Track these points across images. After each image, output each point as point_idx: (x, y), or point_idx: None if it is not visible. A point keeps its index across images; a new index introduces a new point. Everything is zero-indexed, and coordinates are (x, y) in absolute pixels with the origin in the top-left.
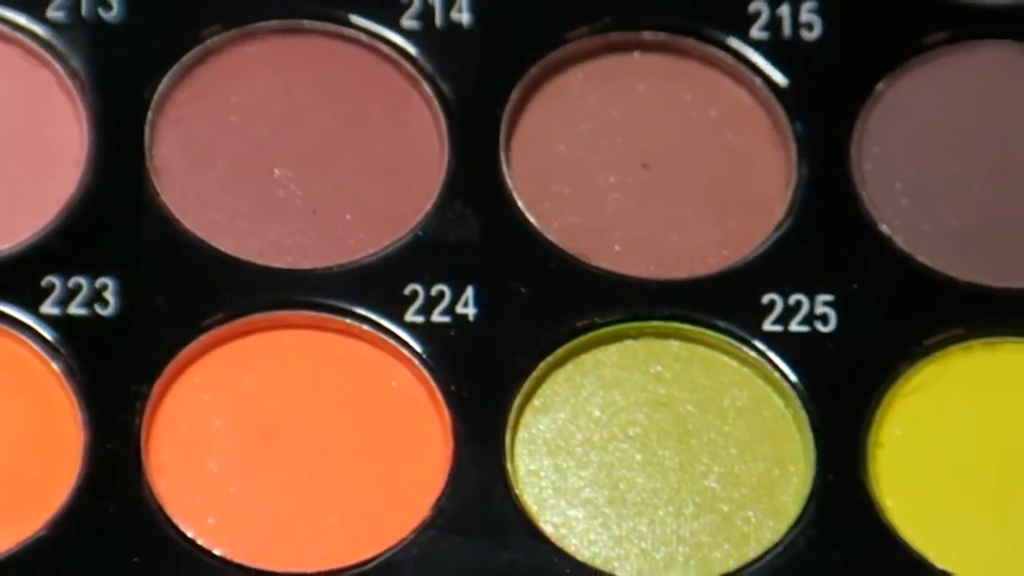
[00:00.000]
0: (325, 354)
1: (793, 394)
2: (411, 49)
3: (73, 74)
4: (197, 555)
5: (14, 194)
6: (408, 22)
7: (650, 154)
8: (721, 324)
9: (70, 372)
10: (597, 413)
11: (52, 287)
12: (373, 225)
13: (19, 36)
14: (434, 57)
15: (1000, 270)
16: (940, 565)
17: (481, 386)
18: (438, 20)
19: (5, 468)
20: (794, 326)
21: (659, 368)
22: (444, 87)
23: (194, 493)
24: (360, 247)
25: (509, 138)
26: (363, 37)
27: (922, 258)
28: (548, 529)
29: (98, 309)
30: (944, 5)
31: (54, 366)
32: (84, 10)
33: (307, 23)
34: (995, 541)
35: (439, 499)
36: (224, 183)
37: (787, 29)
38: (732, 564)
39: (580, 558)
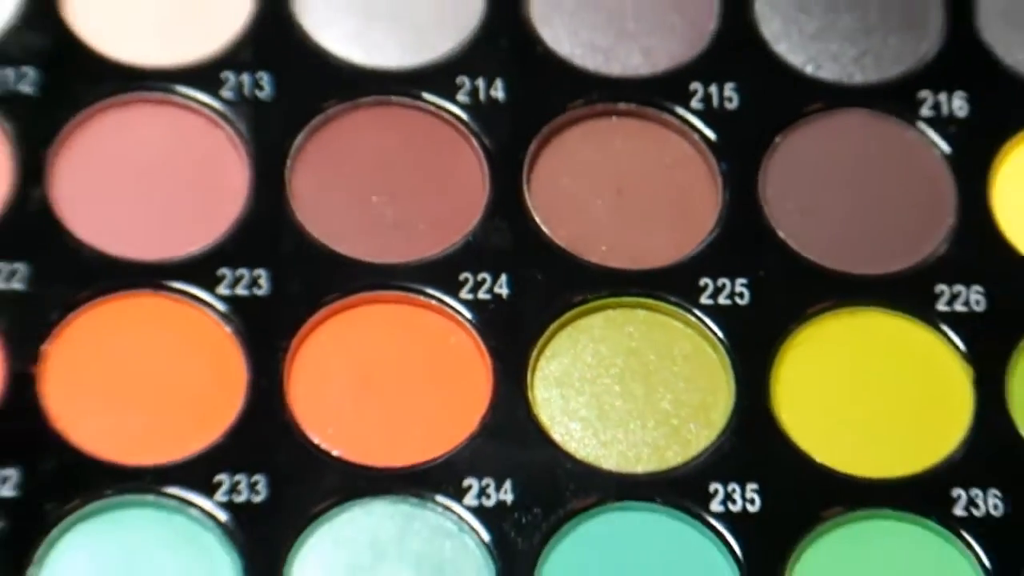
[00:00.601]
0: (405, 320)
1: (720, 346)
2: (464, 115)
3: (238, 133)
4: (321, 456)
5: (198, 213)
6: (461, 97)
7: (623, 185)
8: (672, 299)
9: (238, 333)
10: (589, 359)
11: (224, 276)
12: (438, 234)
13: (201, 108)
14: (479, 121)
15: (858, 263)
16: (820, 460)
17: (510, 342)
18: (481, 96)
19: (193, 399)
20: (721, 300)
21: (630, 329)
22: (486, 141)
23: (319, 414)
24: (429, 249)
25: (529, 175)
26: (432, 108)
27: (807, 255)
28: (556, 437)
29: (255, 291)
30: (820, 83)
31: (226, 329)
32: (246, 91)
33: (394, 98)
34: (858, 444)
35: (483, 417)
36: (340, 206)
37: (715, 101)
38: (680, 460)
39: (577, 457)
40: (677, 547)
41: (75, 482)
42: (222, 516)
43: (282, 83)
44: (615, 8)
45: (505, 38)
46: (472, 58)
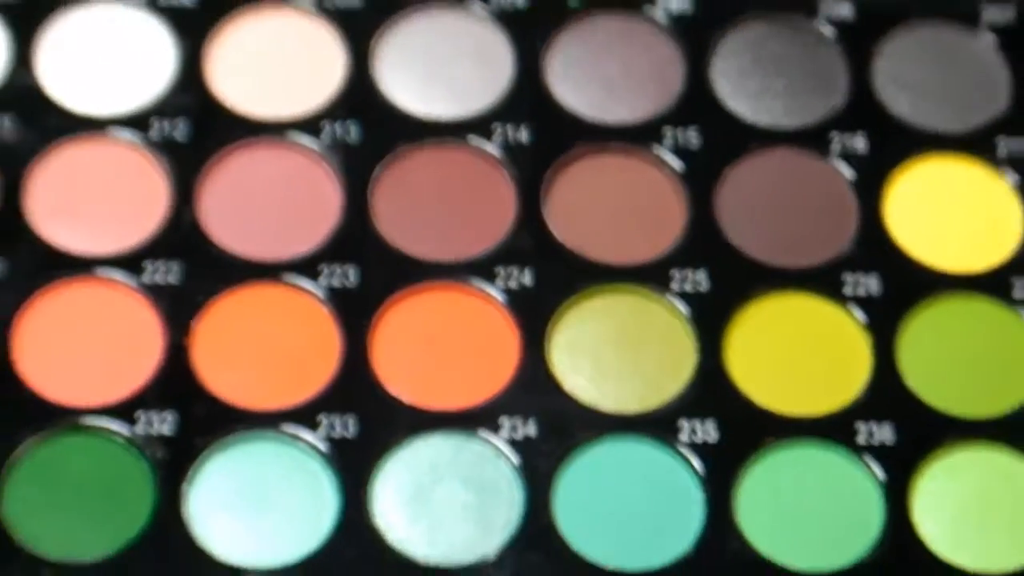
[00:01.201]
0: (456, 303)
1: (687, 321)
2: (497, 154)
3: (333, 168)
4: (394, 402)
5: (304, 226)
6: (496, 140)
7: (617, 203)
8: (651, 286)
9: (334, 312)
10: (590, 331)
11: (323, 271)
12: (479, 241)
13: (307, 150)
14: (509, 158)
15: (787, 259)
16: (759, 403)
17: (533, 318)
18: (511, 140)
19: (301, 361)
20: (687, 287)
21: (621, 308)
22: (514, 172)
23: (393, 371)
24: (473, 251)
25: (546, 197)
26: (475, 148)
27: (750, 254)
28: (566, 388)
29: (345, 282)
30: (758, 129)
31: (325, 310)
32: (338, 136)
33: (447, 142)
34: (787, 390)
35: (513, 374)
36: (408, 220)
37: (682, 142)
38: (657, 404)
39: (582, 403)
40: (656, 468)
41: (215, 422)
42: (323, 448)
43: (366, 130)
44: (609, 77)
45: (528, 96)
46: (504, 111)
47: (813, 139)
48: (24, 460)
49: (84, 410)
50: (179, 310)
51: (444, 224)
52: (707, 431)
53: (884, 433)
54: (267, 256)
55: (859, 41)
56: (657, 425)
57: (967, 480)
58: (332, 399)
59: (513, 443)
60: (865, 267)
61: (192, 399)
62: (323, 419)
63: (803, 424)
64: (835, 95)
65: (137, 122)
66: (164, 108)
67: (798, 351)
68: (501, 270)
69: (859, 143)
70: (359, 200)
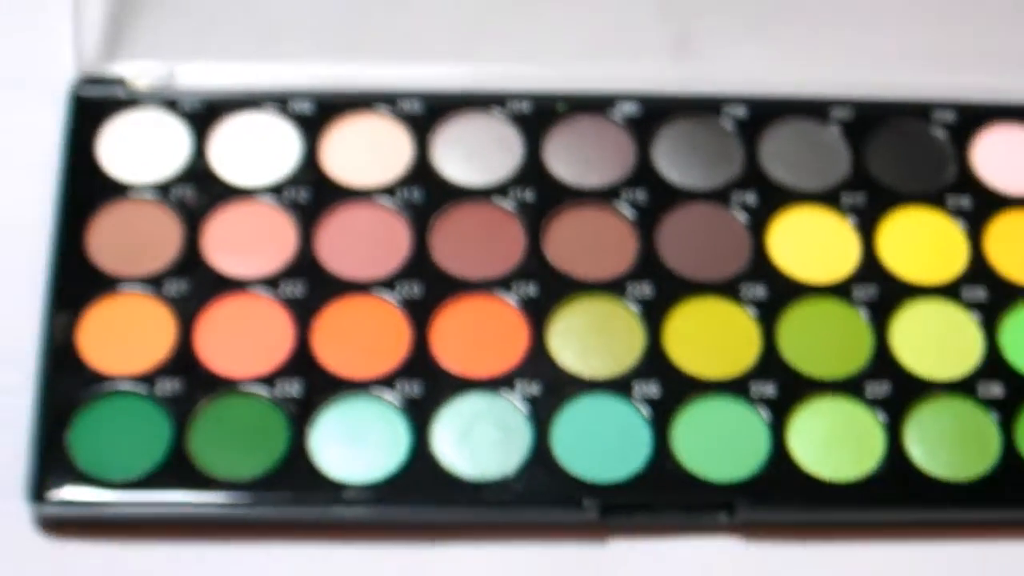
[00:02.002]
0: (486, 306)
1: (638, 317)
2: (512, 208)
3: (404, 218)
4: (445, 372)
5: (383, 257)
6: (511, 198)
7: (593, 240)
8: (614, 294)
9: (405, 314)
10: (576, 324)
11: (398, 286)
12: (500, 265)
13: (387, 207)
14: (520, 211)
15: (705, 275)
16: (688, 371)
17: (537, 315)
18: (520, 198)
19: (383, 346)
20: (637, 295)
21: (596, 309)
22: (523, 220)
23: (443, 351)
24: (496, 273)
25: (545, 236)
26: (497, 205)
27: (680, 272)
28: (559, 363)
29: (412, 294)
30: (684, 191)
31: (400, 311)
32: (406, 196)
33: (478, 200)
34: (707, 361)
35: (524, 353)
36: (454, 251)
37: (633, 199)
38: (620, 372)
39: (570, 372)
40: (618, 414)
41: (327, 387)
42: (399, 403)
43: (426, 194)
44: (585, 157)
45: (532, 170)
46: (516, 180)
47: (720, 196)
48: (201, 414)
49: (241, 380)
50: (303, 313)
51: (477, 254)
52: (651, 390)
53: (768, 389)
54: (361, 277)
55: (750, 131)
56: (619, 386)
57: (824, 419)
58: (404, 371)
59: (524, 399)
60: (755, 279)
61: (312, 372)
62: (399, 384)
63: (715, 384)
64: (734, 166)
65: (275, 189)
66: (292, 180)
67: (711, 336)
68: (515, 284)
69: (750, 198)
70: (421, 240)
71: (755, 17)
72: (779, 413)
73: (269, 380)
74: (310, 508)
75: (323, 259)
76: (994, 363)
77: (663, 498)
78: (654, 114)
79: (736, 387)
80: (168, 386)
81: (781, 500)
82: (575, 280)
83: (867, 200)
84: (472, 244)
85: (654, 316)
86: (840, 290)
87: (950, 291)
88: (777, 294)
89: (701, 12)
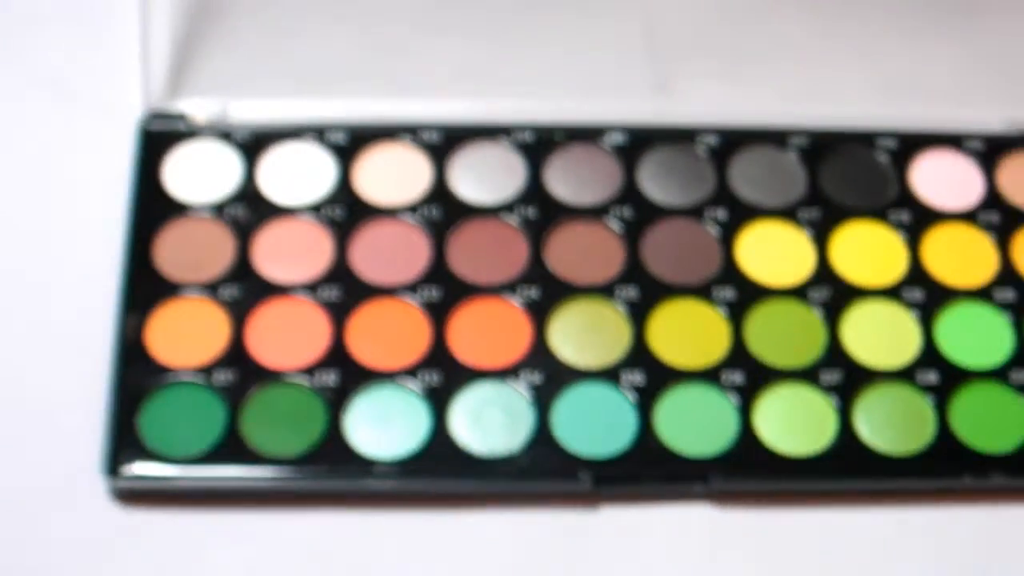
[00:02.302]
0: (496, 308)
1: (626, 317)
2: (516, 224)
3: (425, 233)
4: (462, 364)
5: (406, 265)
6: (517, 215)
7: (586, 249)
8: (605, 296)
9: (428, 314)
10: (572, 322)
11: (420, 290)
12: (508, 271)
13: (409, 222)
14: (524, 226)
15: (682, 279)
16: (667, 361)
17: (539, 314)
18: (525, 215)
19: (406, 343)
20: (624, 297)
21: (589, 309)
22: (527, 235)
23: (459, 347)
24: (504, 278)
25: (545, 248)
26: (506, 221)
27: (660, 277)
28: (558, 356)
29: (431, 298)
30: (664, 208)
31: (421, 312)
32: (426, 214)
33: (488, 217)
34: (683, 353)
35: (528, 347)
36: (468, 260)
37: (621, 215)
38: (610, 362)
39: (567, 364)
40: (608, 399)
41: (359, 377)
42: (420, 390)
43: (443, 211)
44: (580, 178)
45: (534, 190)
46: (521, 199)
47: (695, 212)
48: (252, 401)
49: (286, 371)
50: (338, 314)
51: (487, 263)
52: (637, 378)
53: (737, 377)
54: (388, 282)
55: (720, 157)
56: (609, 375)
57: (784, 403)
58: (425, 363)
59: (528, 386)
60: (725, 283)
61: (346, 364)
62: (420, 374)
63: (691, 373)
64: (706, 187)
65: (314, 208)
66: (329, 200)
67: (688, 332)
68: (519, 288)
69: (720, 213)
70: (439, 250)
71: (724, 61)
72: (746, 398)
73: (309, 371)
74: (345, 481)
75: (355, 267)
76: (930, 354)
77: (647, 471)
78: (638, 143)
79: (709, 376)
80: (223, 377)
81: (748, 472)
82: (571, 285)
83: (820, 215)
84: (483, 254)
85: (639, 315)
86: (798, 292)
87: (892, 292)
88: (744, 296)
89: (678, 57)
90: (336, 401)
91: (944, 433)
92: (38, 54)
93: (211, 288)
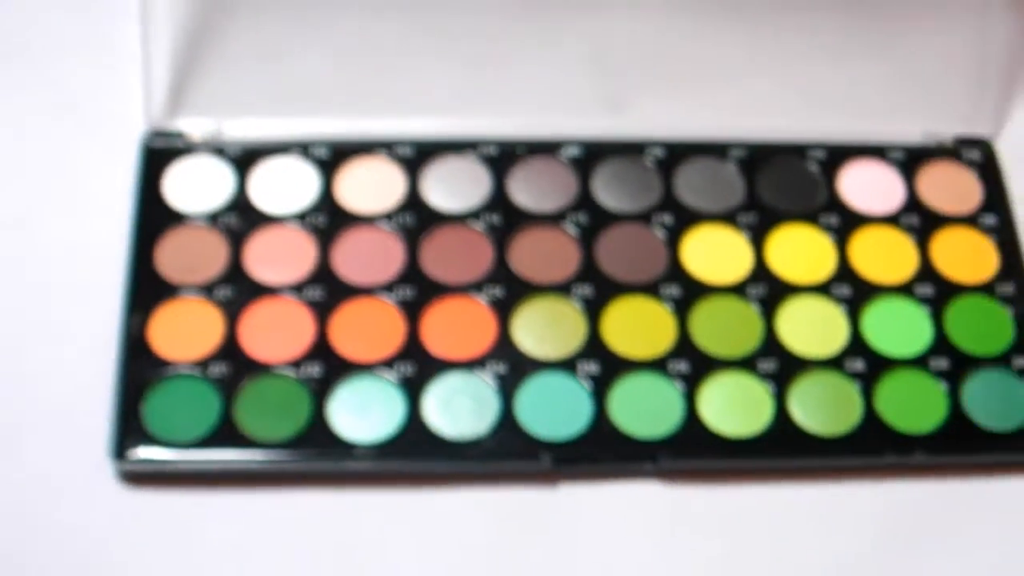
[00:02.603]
0: (464, 305)
1: (582, 312)
2: (482, 229)
3: (399, 238)
4: (435, 356)
5: (383, 268)
6: (483, 221)
7: (545, 252)
8: (563, 294)
9: (403, 311)
10: (534, 317)
11: (395, 290)
12: (475, 272)
13: (385, 229)
14: (489, 231)
15: (633, 278)
16: (620, 352)
17: (503, 311)
18: (490, 222)
19: (384, 337)
20: (580, 294)
21: (549, 305)
22: (491, 239)
23: (433, 342)
24: (472, 278)
25: (508, 251)
26: (473, 227)
27: (613, 276)
28: (521, 348)
29: (406, 296)
30: (615, 214)
31: (399, 313)
32: (401, 221)
33: (457, 224)
34: (635, 344)
35: (493, 340)
36: (440, 262)
37: (577, 220)
38: (567, 354)
39: (529, 355)
40: (566, 388)
41: (342, 368)
42: (396, 380)
43: (416, 218)
44: (540, 188)
45: (498, 199)
46: (486, 207)
47: (644, 218)
48: (244, 391)
49: (274, 364)
50: (322, 312)
51: (456, 265)
52: (593, 367)
53: (682, 366)
54: (366, 283)
55: (667, 167)
56: (567, 365)
57: (725, 389)
58: (401, 355)
59: (494, 376)
60: (671, 282)
61: (329, 357)
62: (396, 365)
63: (641, 363)
64: (654, 195)
65: (299, 216)
66: (312, 208)
67: (638, 326)
68: (485, 288)
69: (666, 218)
70: (412, 254)
71: (670, 81)
72: (691, 385)
73: (296, 364)
74: (328, 463)
75: (337, 270)
76: (857, 344)
77: (602, 452)
78: (592, 155)
79: (657, 365)
80: (218, 369)
81: (693, 452)
82: (532, 284)
83: (757, 220)
84: (452, 257)
85: (593, 311)
86: (737, 289)
87: (822, 289)
88: (688, 293)
89: (628, 78)
90: (320, 391)
91: (870, 416)
92: (50, 78)
93: (207, 289)
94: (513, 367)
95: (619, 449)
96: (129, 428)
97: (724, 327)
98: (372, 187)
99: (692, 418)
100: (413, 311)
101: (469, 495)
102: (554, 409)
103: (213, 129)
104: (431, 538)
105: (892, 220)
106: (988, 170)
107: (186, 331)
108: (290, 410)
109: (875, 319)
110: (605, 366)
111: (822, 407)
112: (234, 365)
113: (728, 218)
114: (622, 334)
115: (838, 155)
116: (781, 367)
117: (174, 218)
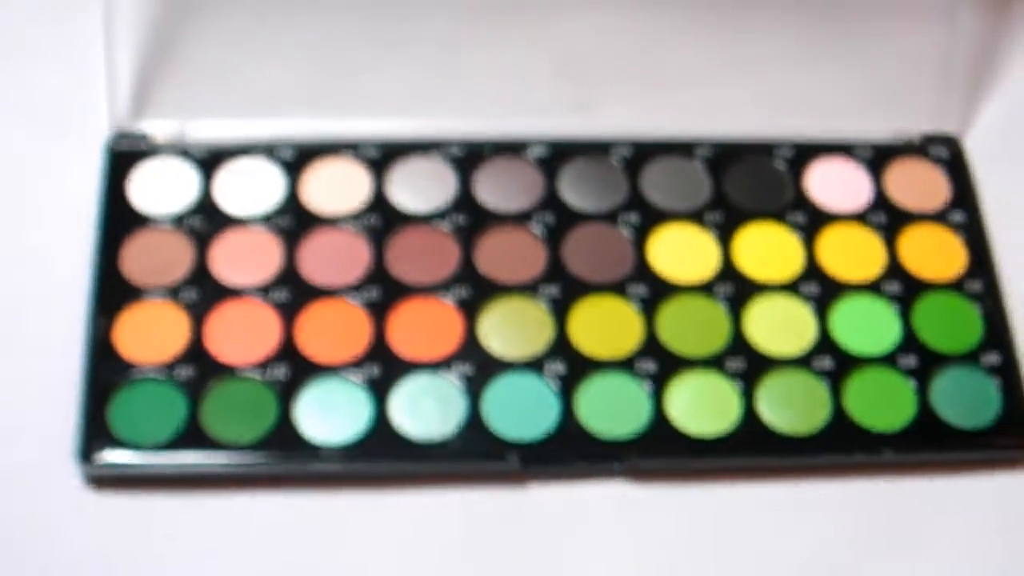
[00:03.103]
0: (430, 306)
1: (550, 311)
2: (449, 229)
3: (365, 238)
4: (401, 358)
5: (349, 269)
6: (449, 221)
7: (510, 250)
8: (529, 294)
9: (369, 312)
10: (497, 318)
11: (362, 290)
12: (441, 273)
13: (351, 229)
14: (455, 231)
15: (599, 277)
16: (586, 352)
17: (469, 311)
18: (456, 222)
19: (349, 339)
20: (547, 294)
21: (513, 306)
22: (457, 239)
23: (400, 343)
24: (438, 278)
25: (474, 251)
26: (437, 227)
27: (578, 275)
28: (486, 348)
29: (372, 298)
30: (581, 213)
31: (364, 312)
32: (367, 222)
33: (422, 225)
34: (599, 343)
35: (460, 341)
36: (405, 263)
37: (543, 221)
38: (533, 353)
39: (494, 355)
40: (532, 387)
41: (307, 370)
42: (362, 381)
43: (382, 219)
44: (505, 188)
45: (463, 199)
46: (452, 207)
47: (610, 217)
48: (210, 393)
49: (240, 366)
50: (288, 313)
51: (422, 266)
52: (560, 367)
53: (650, 366)
54: (332, 284)
55: (633, 166)
56: (533, 365)
57: (693, 389)
58: (367, 357)
59: (460, 377)
60: (638, 281)
61: (295, 359)
62: (363, 367)
63: (608, 363)
64: (620, 194)
65: (264, 218)
66: (278, 210)
67: (605, 325)
68: (452, 288)
69: (633, 218)
70: (378, 255)
71: (636, 81)
72: (658, 384)
73: (262, 366)
74: (295, 465)
75: (302, 271)
76: (825, 343)
77: (569, 452)
78: (558, 155)
79: (624, 365)
80: (184, 372)
81: (660, 452)
82: (498, 284)
83: (724, 218)
84: (418, 258)
85: (560, 311)
86: (704, 288)
87: (790, 287)
88: (655, 292)
89: (594, 78)
90: (286, 393)
91: (838, 414)
92: (13, 81)
93: (172, 292)
94: (480, 368)
95: (586, 449)
96: (95, 431)
97: (691, 326)
98: (338, 188)
99: (660, 418)
100: (379, 312)
101: (436, 496)
102: (521, 409)
103: (178, 131)
104: (399, 539)
105: (860, 218)
106: (956, 167)
107: (152, 334)
108: (256, 412)
109: (843, 317)
110: (572, 366)
111: (790, 406)
112: (200, 367)
113: (695, 217)
114: (589, 334)
115: (805, 153)
116: (749, 366)
117: (139, 220)
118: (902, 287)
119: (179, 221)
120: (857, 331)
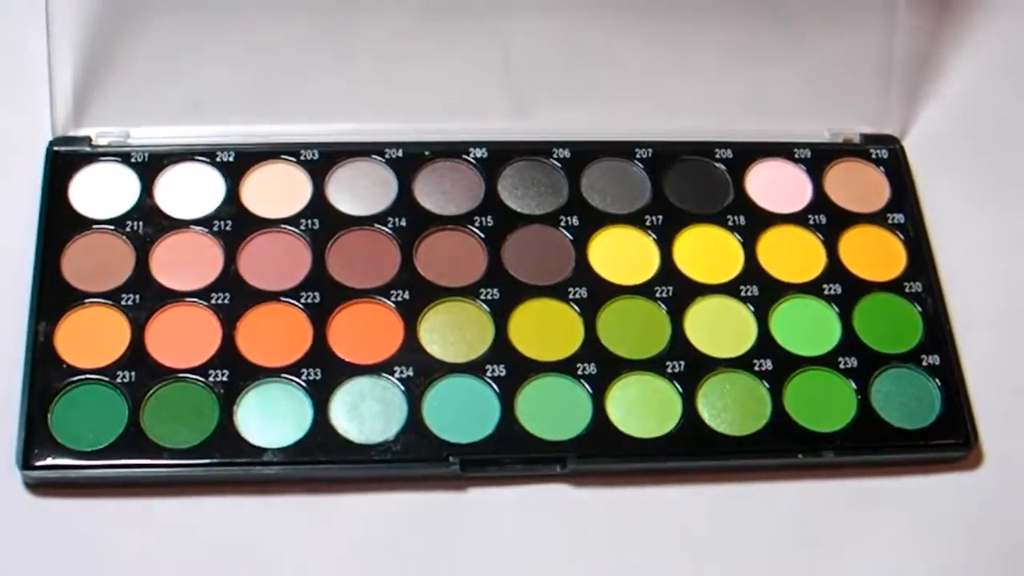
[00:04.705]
0: (371, 309)
1: (490, 314)
2: (389, 232)
3: (306, 242)
4: (344, 361)
5: (290, 272)
6: (389, 224)
7: (451, 258)
8: (470, 297)
9: (310, 317)
10: (439, 321)
11: (302, 295)
12: (381, 277)
13: (292, 233)
14: (395, 234)
15: (543, 281)
16: (529, 354)
17: (410, 315)
18: (395, 224)
19: (290, 343)
20: (488, 297)
21: (456, 309)
22: (400, 241)
23: (340, 343)
24: (378, 283)
25: (416, 253)
26: (378, 230)
27: (522, 279)
28: (428, 350)
29: (313, 301)
30: (524, 216)
31: (303, 314)
32: (307, 225)
33: (365, 226)
34: (545, 347)
35: (400, 344)
36: (346, 267)
37: (484, 223)
38: (475, 357)
39: (435, 357)
40: (473, 390)
41: (249, 374)
42: (303, 384)
43: (322, 223)
44: (445, 190)
45: (404, 203)
46: (392, 211)
47: (550, 219)
48: (151, 397)
49: (181, 370)
50: (228, 317)
51: (362, 269)
52: (500, 370)
53: (590, 368)
54: (273, 288)
55: (573, 169)
56: (474, 368)
57: (633, 390)
58: (308, 360)
59: (401, 380)
60: (578, 283)
61: (236, 362)
62: (303, 370)
63: (548, 365)
64: (561, 196)
65: (204, 221)
66: (218, 214)
67: (545, 328)
68: (392, 292)
69: (573, 220)
70: (319, 258)
71: (575, 83)
72: (599, 386)
73: (202, 370)
74: (236, 468)
75: (243, 275)
76: (765, 344)
77: (510, 454)
78: (498, 157)
79: (565, 367)
80: (124, 376)
81: (601, 454)
82: (439, 287)
83: (664, 220)
84: (358, 261)
85: (500, 314)
86: (644, 290)
87: (730, 289)
88: (595, 294)
89: (533, 81)
90: (227, 396)
91: (779, 415)
92: None
93: (113, 296)
94: (420, 370)
95: (527, 451)
96: (36, 437)
97: (631, 328)
98: (278, 192)
99: (600, 419)
100: (319, 316)
101: (378, 499)
102: (461, 412)
103: (119, 136)
104: (340, 542)
105: (799, 219)
106: (896, 168)
107: (93, 338)
108: (197, 416)
109: (783, 318)
110: (512, 368)
111: (731, 407)
112: (141, 372)
113: (635, 219)
114: (529, 336)
115: (745, 155)
116: (689, 368)
117: (80, 225)
118: (842, 288)
119: (120, 224)
120: (797, 332)
